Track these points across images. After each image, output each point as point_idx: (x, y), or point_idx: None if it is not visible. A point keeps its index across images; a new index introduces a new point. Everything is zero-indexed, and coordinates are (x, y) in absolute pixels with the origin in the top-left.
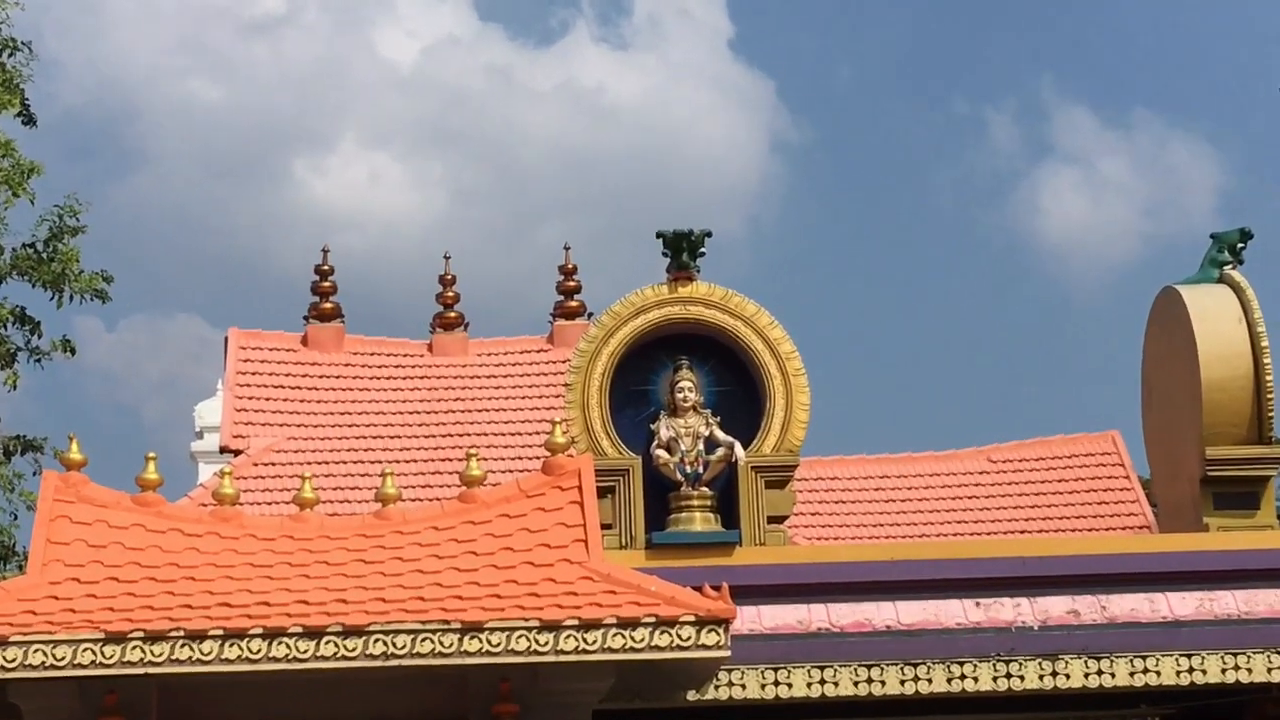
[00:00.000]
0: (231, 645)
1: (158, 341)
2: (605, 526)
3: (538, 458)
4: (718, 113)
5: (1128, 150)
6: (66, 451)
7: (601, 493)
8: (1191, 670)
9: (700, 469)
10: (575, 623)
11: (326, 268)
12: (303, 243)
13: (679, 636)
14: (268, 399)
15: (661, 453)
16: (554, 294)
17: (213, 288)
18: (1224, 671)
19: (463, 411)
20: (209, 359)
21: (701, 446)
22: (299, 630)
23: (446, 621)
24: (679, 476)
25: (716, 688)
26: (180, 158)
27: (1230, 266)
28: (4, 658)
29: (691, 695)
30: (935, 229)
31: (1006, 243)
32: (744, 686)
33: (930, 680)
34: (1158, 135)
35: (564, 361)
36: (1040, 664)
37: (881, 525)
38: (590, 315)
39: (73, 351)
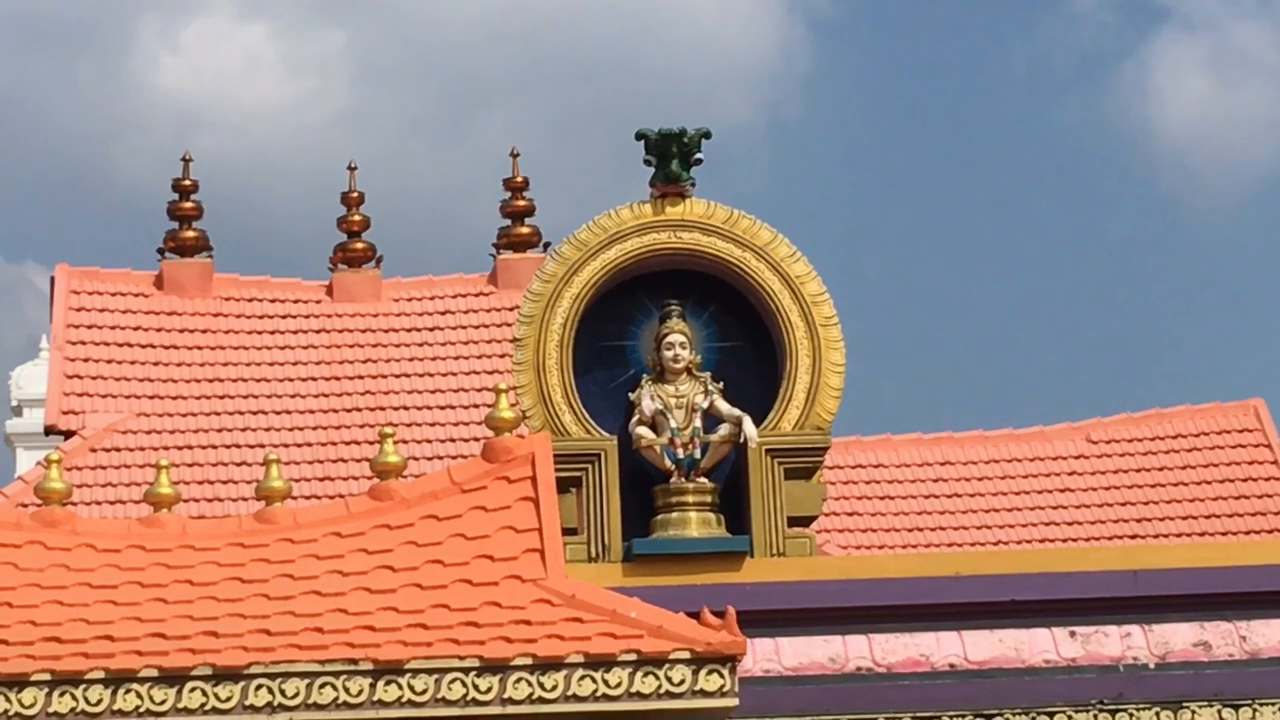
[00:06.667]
0: (62, 694)
1: None
2: (569, 531)
3: (476, 438)
4: None
5: (1272, 13)
6: None
7: (563, 486)
8: None
9: (697, 453)
10: (528, 661)
11: (188, 183)
12: (155, 147)
13: (669, 679)
14: (109, 361)
15: (644, 431)
16: (497, 217)
17: (29, 209)
18: None
19: (374, 377)
20: (28, 308)
21: (699, 423)
22: (154, 673)
23: (354, 661)
24: (668, 463)
25: None
26: None
27: None
28: None
29: None
30: (1007, 126)
31: (1104, 143)
32: None
33: None
34: None
35: (512, 308)
36: (1158, 714)
37: (943, 529)
38: (547, 246)
39: None
